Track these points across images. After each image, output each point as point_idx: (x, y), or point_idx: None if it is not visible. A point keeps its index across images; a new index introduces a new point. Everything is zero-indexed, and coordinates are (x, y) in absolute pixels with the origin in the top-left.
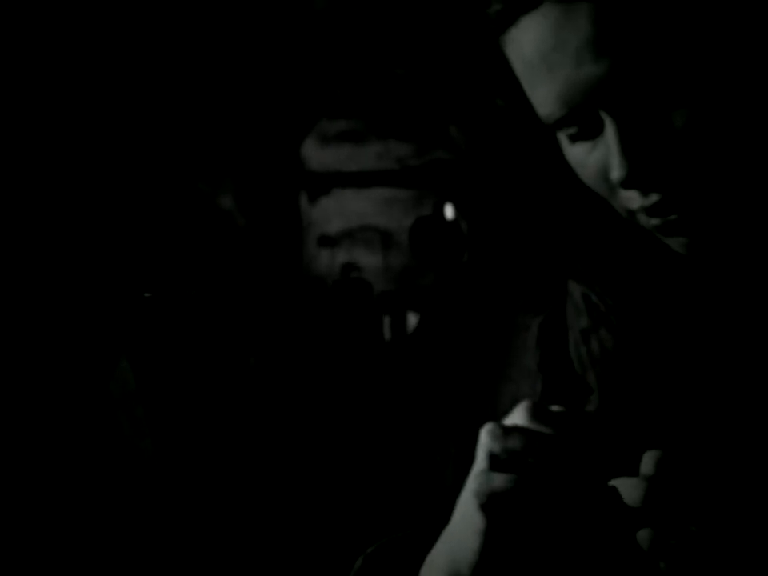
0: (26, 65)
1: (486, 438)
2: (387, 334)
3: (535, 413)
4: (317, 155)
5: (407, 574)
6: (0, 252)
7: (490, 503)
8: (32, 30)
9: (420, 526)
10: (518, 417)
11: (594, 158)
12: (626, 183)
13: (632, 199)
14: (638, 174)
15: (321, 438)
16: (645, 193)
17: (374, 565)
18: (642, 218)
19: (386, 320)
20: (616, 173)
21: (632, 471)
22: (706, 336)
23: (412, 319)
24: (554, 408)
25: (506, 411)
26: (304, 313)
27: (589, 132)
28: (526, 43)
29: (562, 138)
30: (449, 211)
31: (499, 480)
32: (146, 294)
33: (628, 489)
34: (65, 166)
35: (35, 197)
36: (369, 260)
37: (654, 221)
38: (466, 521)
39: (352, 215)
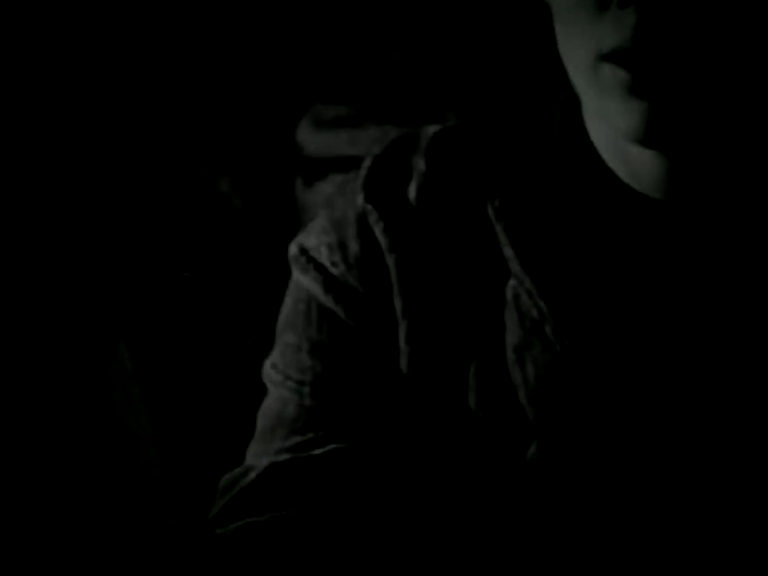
0: (26, 48)
1: None
2: None
3: None
4: (312, 140)
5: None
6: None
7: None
8: (32, 26)
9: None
10: None
11: None
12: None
13: (612, 35)
14: None
15: None
16: (639, 24)
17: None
18: (607, 69)
19: None
20: None
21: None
22: (666, 344)
23: None
24: None
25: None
26: None
27: None
28: None
29: None
30: None
31: None
32: (185, 274)
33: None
34: (61, 147)
35: (34, 179)
36: None
37: (620, 71)
38: None
39: None
